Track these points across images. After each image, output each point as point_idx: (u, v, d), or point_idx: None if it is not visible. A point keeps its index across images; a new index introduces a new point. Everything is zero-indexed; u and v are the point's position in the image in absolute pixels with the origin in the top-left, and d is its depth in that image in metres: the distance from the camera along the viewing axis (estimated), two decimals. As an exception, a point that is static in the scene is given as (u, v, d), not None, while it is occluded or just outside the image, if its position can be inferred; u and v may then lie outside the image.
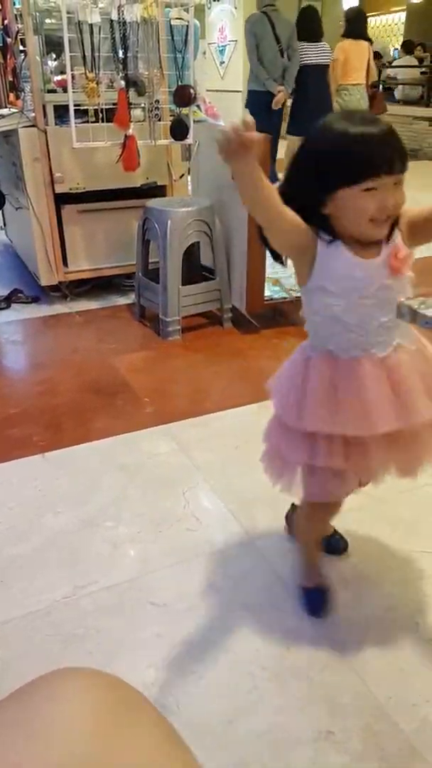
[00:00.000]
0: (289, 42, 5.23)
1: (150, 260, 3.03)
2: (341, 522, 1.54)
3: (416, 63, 10.31)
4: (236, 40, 7.48)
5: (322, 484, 1.24)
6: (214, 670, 1.29)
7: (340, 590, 1.47)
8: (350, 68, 5.66)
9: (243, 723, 1.19)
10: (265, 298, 2.96)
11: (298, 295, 3.28)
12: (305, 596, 1.44)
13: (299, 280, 1.17)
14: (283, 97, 5.31)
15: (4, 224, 4.24)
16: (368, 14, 13.39)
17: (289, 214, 1.06)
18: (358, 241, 1.08)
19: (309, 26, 5.42)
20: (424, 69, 9.98)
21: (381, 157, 0.99)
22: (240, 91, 6.86)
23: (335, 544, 1.58)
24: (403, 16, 12.76)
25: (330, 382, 1.16)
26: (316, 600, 1.42)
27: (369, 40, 5.81)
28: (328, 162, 1.03)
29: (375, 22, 13.52)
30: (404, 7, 12.52)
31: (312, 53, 5.42)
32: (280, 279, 3.17)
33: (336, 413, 1.14)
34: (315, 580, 1.45)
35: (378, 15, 13.30)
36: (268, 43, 5.22)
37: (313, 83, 5.42)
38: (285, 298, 3.04)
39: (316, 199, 1.05)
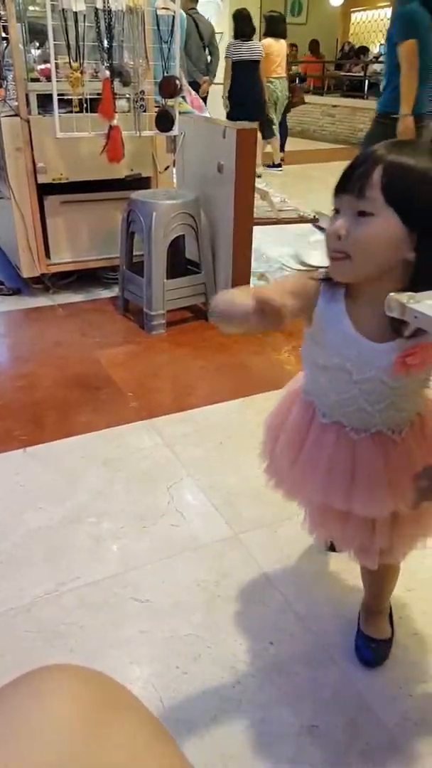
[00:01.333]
0: (211, 40, 6.06)
1: (134, 253, 3.00)
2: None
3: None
4: (222, 32, 7.45)
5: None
6: (197, 666, 1.29)
7: (325, 586, 1.48)
8: (271, 63, 6.56)
9: (227, 718, 1.19)
10: (251, 293, 2.95)
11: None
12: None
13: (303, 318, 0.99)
14: (207, 87, 6.12)
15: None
16: (354, 10, 13.45)
17: (290, 287, 0.92)
18: (364, 310, 0.89)
19: (241, 26, 6.15)
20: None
21: (350, 174, 0.84)
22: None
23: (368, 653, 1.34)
24: (389, 12, 12.77)
25: (300, 435, 1.08)
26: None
27: (285, 38, 6.88)
28: None
29: (361, 18, 13.55)
30: (389, 3, 12.53)
31: (244, 50, 6.10)
32: (265, 273, 3.16)
33: (294, 468, 1.08)
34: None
35: (364, 11, 13.33)
36: (193, 41, 5.90)
37: (244, 76, 6.10)
38: (270, 292, 3.03)
39: None
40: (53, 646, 1.32)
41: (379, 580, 1.29)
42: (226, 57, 6.14)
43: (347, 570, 1.52)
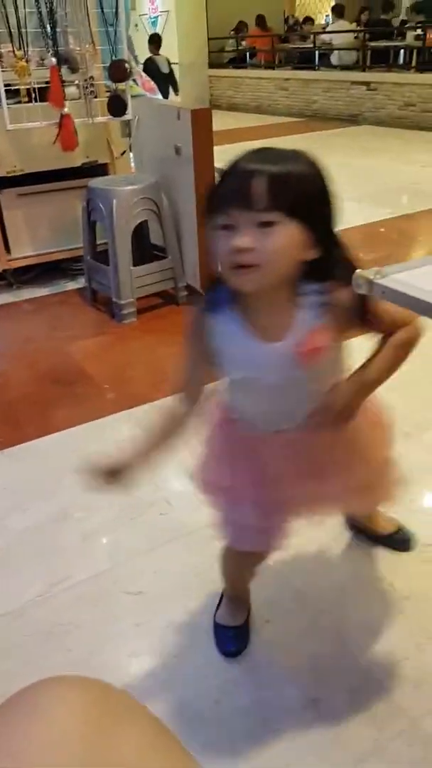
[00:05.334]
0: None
1: (98, 242, 2.95)
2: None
3: (349, 27, 10.26)
4: (168, 11, 7.31)
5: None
6: (195, 653, 1.29)
7: (321, 559, 1.49)
8: None
9: (230, 699, 1.20)
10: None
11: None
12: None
13: None
14: None
15: None
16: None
17: (192, 362, 1.04)
18: (260, 314, 0.91)
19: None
20: (357, 33, 9.96)
21: (240, 190, 0.82)
22: (176, 63, 6.75)
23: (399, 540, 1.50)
24: (333, -20, 12.67)
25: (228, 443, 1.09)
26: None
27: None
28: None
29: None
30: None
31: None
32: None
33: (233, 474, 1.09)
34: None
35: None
36: None
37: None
38: (238, 272, 3.01)
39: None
40: (50, 648, 1.31)
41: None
42: None
43: (338, 540, 1.53)
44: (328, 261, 0.87)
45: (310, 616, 1.36)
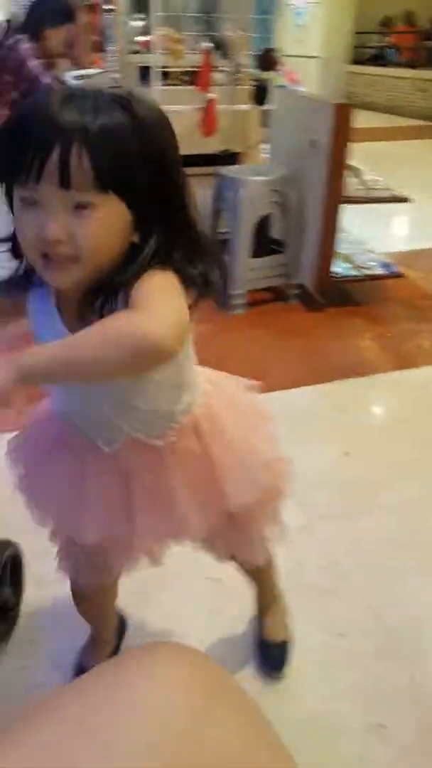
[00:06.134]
0: None
1: (219, 230, 2.98)
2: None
3: None
4: (319, 2, 7.19)
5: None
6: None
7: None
8: None
9: (288, 709, 1.18)
10: (334, 275, 2.89)
11: (369, 272, 3.16)
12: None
13: None
14: None
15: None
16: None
17: None
18: (70, 299, 0.72)
19: None
20: None
21: (48, 158, 0.61)
22: (318, 57, 6.64)
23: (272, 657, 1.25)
24: None
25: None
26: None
27: None
28: None
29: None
30: None
31: None
32: (350, 255, 3.08)
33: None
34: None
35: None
36: None
37: None
38: (355, 276, 2.96)
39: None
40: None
41: (254, 580, 1.20)
42: None
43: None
44: (167, 242, 0.70)
45: (384, 638, 1.33)
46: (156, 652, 0.54)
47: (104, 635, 1.21)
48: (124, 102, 0.66)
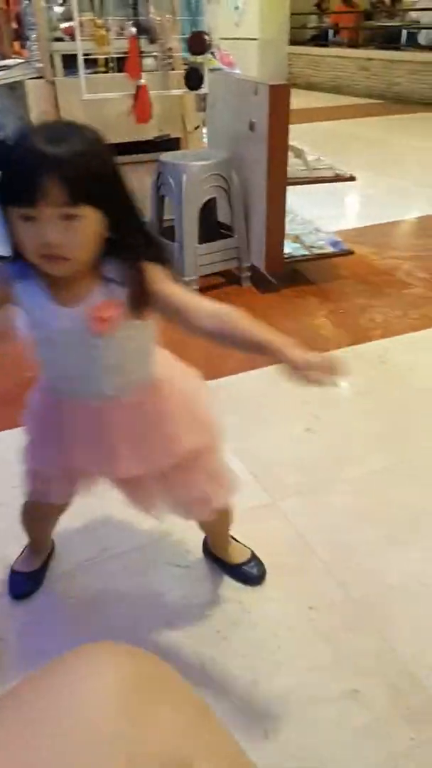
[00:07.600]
0: None
1: (165, 218, 2.95)
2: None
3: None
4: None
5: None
6: (237, 630, 1.29)
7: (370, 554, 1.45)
8: None
9: (267, 683, 1.19)
10: (285, 256, 2.88)
11: (320, 251, 3.16)
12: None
13: None
14: None
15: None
16: None
17: None
18: (60, 284, 0.94)
19: None
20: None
21: (39, 183, 0.81)
22: (256, 39, 6.62)
23: (248, 573, 1.43)
24: None
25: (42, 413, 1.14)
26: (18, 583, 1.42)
27: None
28: None
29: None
30: None
31: None
32: (300, 235, 3.08)
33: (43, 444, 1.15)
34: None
35: None
36: None
37: None
38: (305, 255, 2.96)
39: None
40: (98, 613, 1.34)
41: (207, 530, 1.40)
42: None
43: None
44: (127, 238, 0.91)
45: (353, 610, 1.34)
46: (96, 651, 0.52)
47: (40, 548, 1.44)
48: (78, 132, 0.86)
